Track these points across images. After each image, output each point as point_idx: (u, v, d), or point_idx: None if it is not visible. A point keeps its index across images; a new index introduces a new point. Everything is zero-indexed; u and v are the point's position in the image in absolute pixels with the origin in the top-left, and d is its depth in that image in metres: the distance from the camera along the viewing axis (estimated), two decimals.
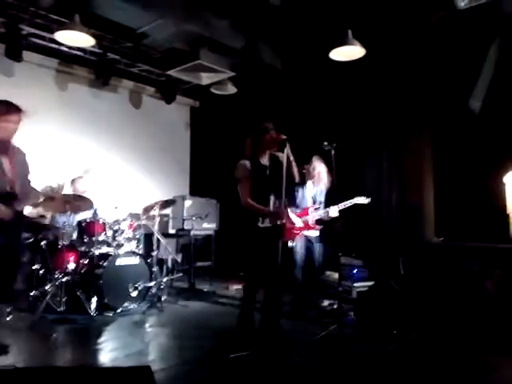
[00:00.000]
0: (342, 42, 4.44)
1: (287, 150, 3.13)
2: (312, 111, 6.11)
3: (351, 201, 4.26)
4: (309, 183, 4.45)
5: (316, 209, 4.34)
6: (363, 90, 5.72)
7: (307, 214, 4.26)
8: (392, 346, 3.21)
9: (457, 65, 4.85)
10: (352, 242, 5.17)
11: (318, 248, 4.44)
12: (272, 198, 3.24)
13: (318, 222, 4.33)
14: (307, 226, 4.23)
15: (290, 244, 4.22)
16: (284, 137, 3.18)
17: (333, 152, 3.52)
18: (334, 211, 4.17)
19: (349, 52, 4.59)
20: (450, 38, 4.77)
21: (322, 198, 4.49)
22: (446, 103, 5.12)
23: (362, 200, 4.31)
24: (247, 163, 3.30)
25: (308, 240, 4.37)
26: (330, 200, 4.37)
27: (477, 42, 4.58)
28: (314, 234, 4.38)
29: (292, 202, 4.39)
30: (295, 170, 3.30)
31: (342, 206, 4.21)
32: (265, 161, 3.35)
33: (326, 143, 3.54)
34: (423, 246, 5.35)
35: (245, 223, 3.28)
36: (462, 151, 5.02)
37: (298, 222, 4.20)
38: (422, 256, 5.27)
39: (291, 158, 3.23)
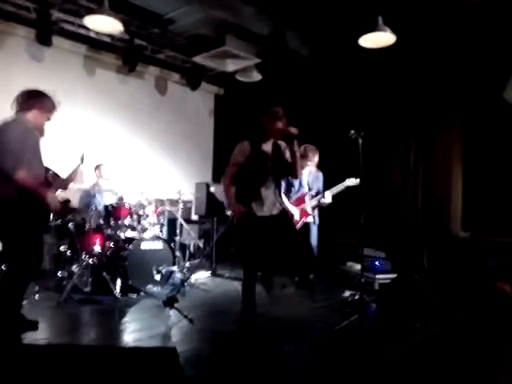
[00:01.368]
0: (372, 28, 4.33)
1: (295, 145, 3.06)
2: (339, 100, 6.01)
3: (343, 184, 4.35)
4: (304, 171, 4.54)
5: (312, 196, 4.55)
6: (392, 79, 5.58)
7: (304, 202, 4.43)
8: (416, 339, 3.17)
9: (491, 54, 4.67)
10: (375, 234, 5.12)
11: (314, 231, 4.67)
12: (263, 189, 3.14)
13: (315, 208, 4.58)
14: (305, 214, 4.40)
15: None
16: (293, 131, 3.05)
17: (360, 141, 3.46)
18: (328, 197, 4.30)
19: (378, 39, 4.47)
20: (483, 25, 4.59)
21: (319, 184, 4.65)
22: (477, 94, 4.95)
23: (353, 181, 4.34)
24: (247, 147, 3.18)
25: (305, 224, 4.60)
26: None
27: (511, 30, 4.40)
28: (309, 218, 4.63)
29: (289, 190, 4.56)
30: (299, 166, 3.23)
31: (335, 190, 4.35)
32: (267, 147, 3.22)
33: (353, 132, 3.48)
34: (449, 240, 5.24)
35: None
36: (492, 143, 4.86)
37: (296, 214, 4.34)
38: (448, 250, 5.16)
39: (297, 154, 3.14)
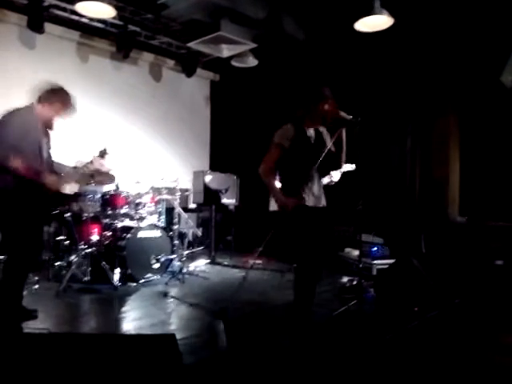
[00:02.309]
0: (369, 11, 4.26)
1: (343, 133, 2.81)
2: (336, 84, 5.95)
3: (339, 170, 4.18)
4: None
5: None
6: (389, 64, 5.52)
7: None
8: (414, 323, 3.20)
9: (488, 38, 4.62)
10: (373, 220, 5.12)
11: None
12: (309, 179, 2.82)
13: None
14: None
15: None
16: (344, 115, 2.78)
17: (357, 126, 3.43)
18: (336, 175, 4.08)
19: (375, 22, 4.41)
20: (482, 8, 4.53)
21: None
22: (474, 77, 4.91)
23: (349, 167, 4.20)
24: (291, 130, 2.84)
25: None
26: None
27: (509, 13, 4.33)
28: None
29: None
30: (344, 157, 2.94)
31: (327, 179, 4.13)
32: (310, 132, 2.91)
33: (350, 117, 3.44)
34: (446, 224, 5.26)
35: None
36: (489, 128, 4.84)
37: None
38: (445, 235, 5.18)
39: (344, 143, 2.88)
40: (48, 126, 3.12)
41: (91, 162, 3.31)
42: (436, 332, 3.14)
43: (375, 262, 4.78)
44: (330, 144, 2.88)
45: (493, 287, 4.18)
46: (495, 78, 4.40)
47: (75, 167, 3.32)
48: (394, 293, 3.80)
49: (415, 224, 5.37)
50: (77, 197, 4.77)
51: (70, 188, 4.36)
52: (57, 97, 3.06)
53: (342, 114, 2.82)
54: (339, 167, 3.24)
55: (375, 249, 5.00)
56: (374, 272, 4.72)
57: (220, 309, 3.05)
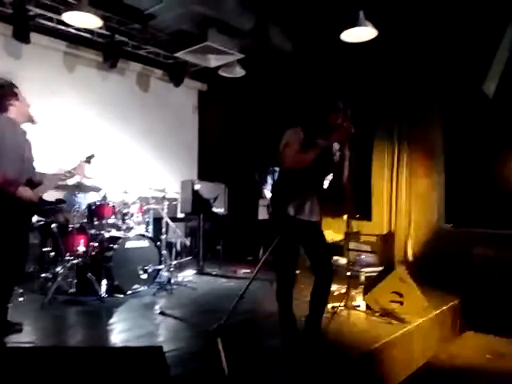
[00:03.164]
0: (354, 23, 4.34)
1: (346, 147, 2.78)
2: (322, 94, 6.02)
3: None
4: None
5: None
6: (374, 74, 5.62)
7: None
8: (399, 332, 3.22)
9: (471, 47, 4.73)
10: (360, 228, 5.17)
11: None
12: (308, 190, 2.79)
13: None
14: None
15: None
16: (352, 129, 2.71)
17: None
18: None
19: (360, 33, 4.49)
20: (464, 18, 4.65)
21: None
22: (457, 87, 5.02)
23: (329, 177, 4.23)
24: (301, 135, 2.76)
25: None
26: None
27: (492, 23, 4.45)
28: None
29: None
30: (345, 172, 2.90)
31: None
32: (321, 143, 2.77)
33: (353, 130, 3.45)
34: (431, 231, 5.32)
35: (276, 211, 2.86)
36: (473, 136, 4.94)
37: None
38: (430, 242, 5.25)
39: (347, 157, 2.84)
40: (30, 120, 3.03)
41: (75, 167, 3.26)
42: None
43: (363, 269, 4.80)
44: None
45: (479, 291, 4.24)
46: (478, 87, 4.50)
47: (55, 174, 3.27)
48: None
49: (402, 232, 5.43)
50: (57, 204, 4.70)
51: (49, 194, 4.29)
52: (7, 95, 2.95)
53: (351, 127, 2.74)
54: (341, 182, 3.07)
55: (363, 256, 5.04)
56: (363, 279, 4.74)
57: (217, 326, 2.99)
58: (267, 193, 4.94)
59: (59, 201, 4.16)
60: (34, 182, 3.03)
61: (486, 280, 4.42)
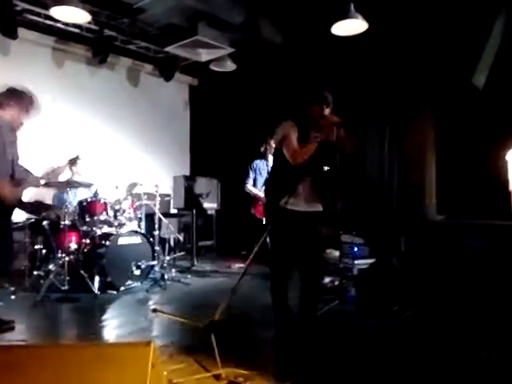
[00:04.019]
0: (344, 15, 4.33)
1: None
2: (313, 88, 6.01)
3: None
4: (270, 156, 4.49)
5: None
6: (364, 68, 5.61)
7: None
8: (392, 322, 3.25)
9: (460, 40, 4.74)
10: (353, 221, 5.18)
11: None
12: (303, 184, 2.76)
13: None
14: None
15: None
16: (338, 120, 2.65)
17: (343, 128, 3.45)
18: None
19: (350, 26, 4.48)
20: (453, 11, 4.65)
21: None
22: (447, 80, 5.03)
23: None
24: (295, 128, 2.72)
25: None
26: None
27: (481, 15, 4.46)
28: None
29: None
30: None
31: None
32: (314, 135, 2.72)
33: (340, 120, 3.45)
34: (425, 223, 5.36)
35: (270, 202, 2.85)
36: (463, 129, 4.97)
37: None
38: (424, 233, 5.28)
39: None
40: (14, 129, 3.05)
41: (60, 167, 3.26)
42: (414, 330, 3.19)
43: (356, 261, 4.82)
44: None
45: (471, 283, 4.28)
46: (468, 80, 4.52)
47: (41, 177, 3.26)
48: (374, 292, 3.85)
49: (394, 224, 5.46)
50: (52, 205, 4.69)
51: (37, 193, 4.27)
52: (14, 99, 3.01)
53: (334, 118, 2.69)
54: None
55: (356, 249, 5.05)
56: (355, 272, 4.77)
57: (209, 322, 2.99)
58: (250, 187, 4.91)
59: (40, 203, 4.16)
60: (15, 179, 3.01)
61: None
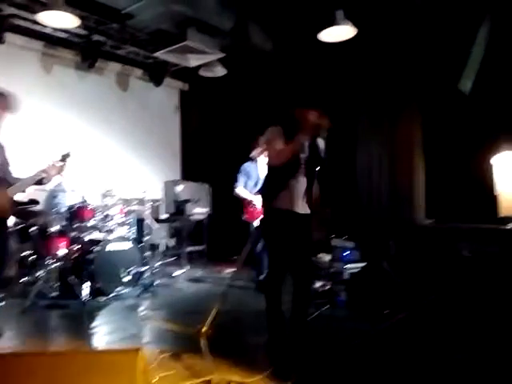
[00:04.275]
0: (333, 22, 4.38)
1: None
2: (302, 93, 6.05)
3: None
4: (260, 159, 4.48)
5: None
6: (353, 73, 5.68)
7: None
8: (383, 325, 3.27)
9: (446, 45, 4.82)
10: (344, 225, 5.21)
11: None
12: (294, 183, 2.77)
13: None
14: None
15: (255, 224, 4.43)
16: (326, 123, 2.66)
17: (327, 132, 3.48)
18: None
19: (339, 33, 4.54)
20: (440, 17, 4.73)
21: None
22: (435, 85, 5.11)
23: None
24: (280, 130, 2.75)
25: None
26: None
27: (467, 21, 4.54)
28: None
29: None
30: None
31: None
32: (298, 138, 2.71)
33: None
34: (414, 227, 5.41)
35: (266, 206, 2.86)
36: (451, 134, 5.04)
37: (259, 203, 4.28)
38: (413, 237, 5.33)
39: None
40: None
41: (48, 167, 3.21)
42: (406, 333, 3.21)
43: (347, 265, 4.84)
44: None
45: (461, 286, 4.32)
46: (455, 84, 4.59)
47: (35, 174, 3.21)
48: (365, 296, 3.87)
49: (384, 228, 5.50)
50: (30, 205, 4.61)
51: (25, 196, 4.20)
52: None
53: (325, 122, 2.71)
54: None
55: (347, 253, 5.07)
56: (346, 276, 4.78)
57: (200, 328, 2.96)
58: (237, 191, 4.81)
59: (32, 201, 4.08)
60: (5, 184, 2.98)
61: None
